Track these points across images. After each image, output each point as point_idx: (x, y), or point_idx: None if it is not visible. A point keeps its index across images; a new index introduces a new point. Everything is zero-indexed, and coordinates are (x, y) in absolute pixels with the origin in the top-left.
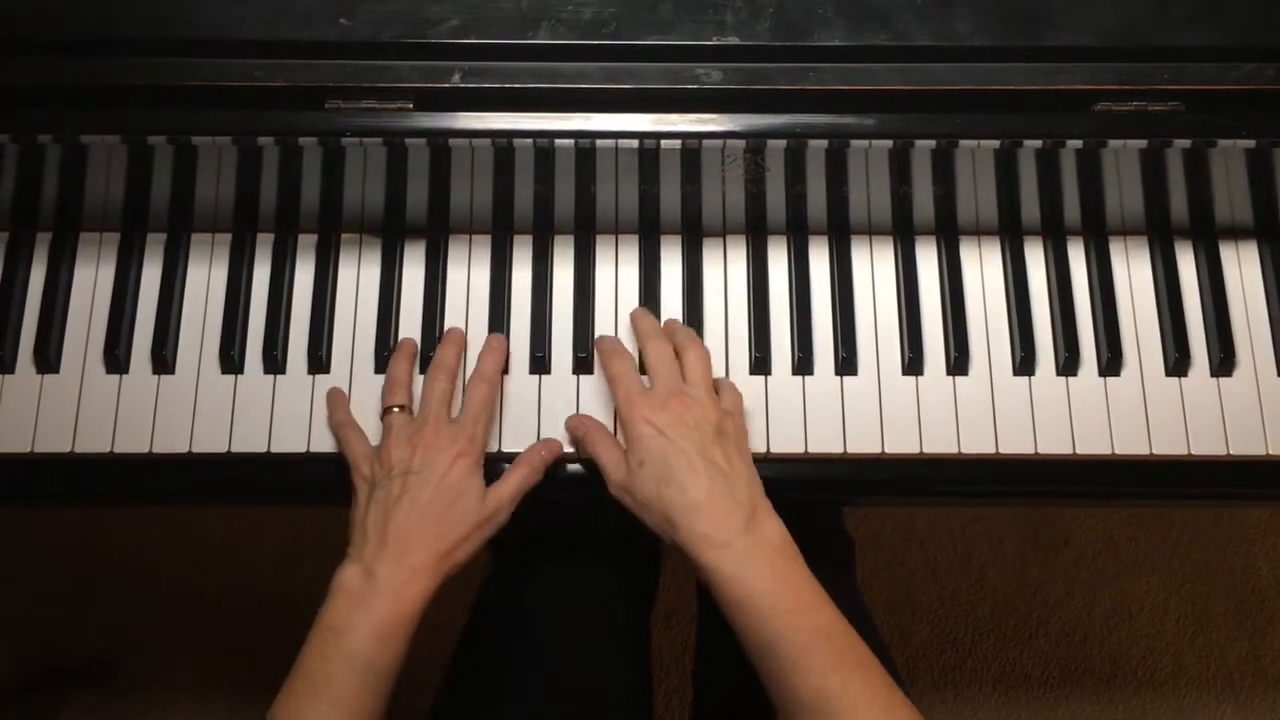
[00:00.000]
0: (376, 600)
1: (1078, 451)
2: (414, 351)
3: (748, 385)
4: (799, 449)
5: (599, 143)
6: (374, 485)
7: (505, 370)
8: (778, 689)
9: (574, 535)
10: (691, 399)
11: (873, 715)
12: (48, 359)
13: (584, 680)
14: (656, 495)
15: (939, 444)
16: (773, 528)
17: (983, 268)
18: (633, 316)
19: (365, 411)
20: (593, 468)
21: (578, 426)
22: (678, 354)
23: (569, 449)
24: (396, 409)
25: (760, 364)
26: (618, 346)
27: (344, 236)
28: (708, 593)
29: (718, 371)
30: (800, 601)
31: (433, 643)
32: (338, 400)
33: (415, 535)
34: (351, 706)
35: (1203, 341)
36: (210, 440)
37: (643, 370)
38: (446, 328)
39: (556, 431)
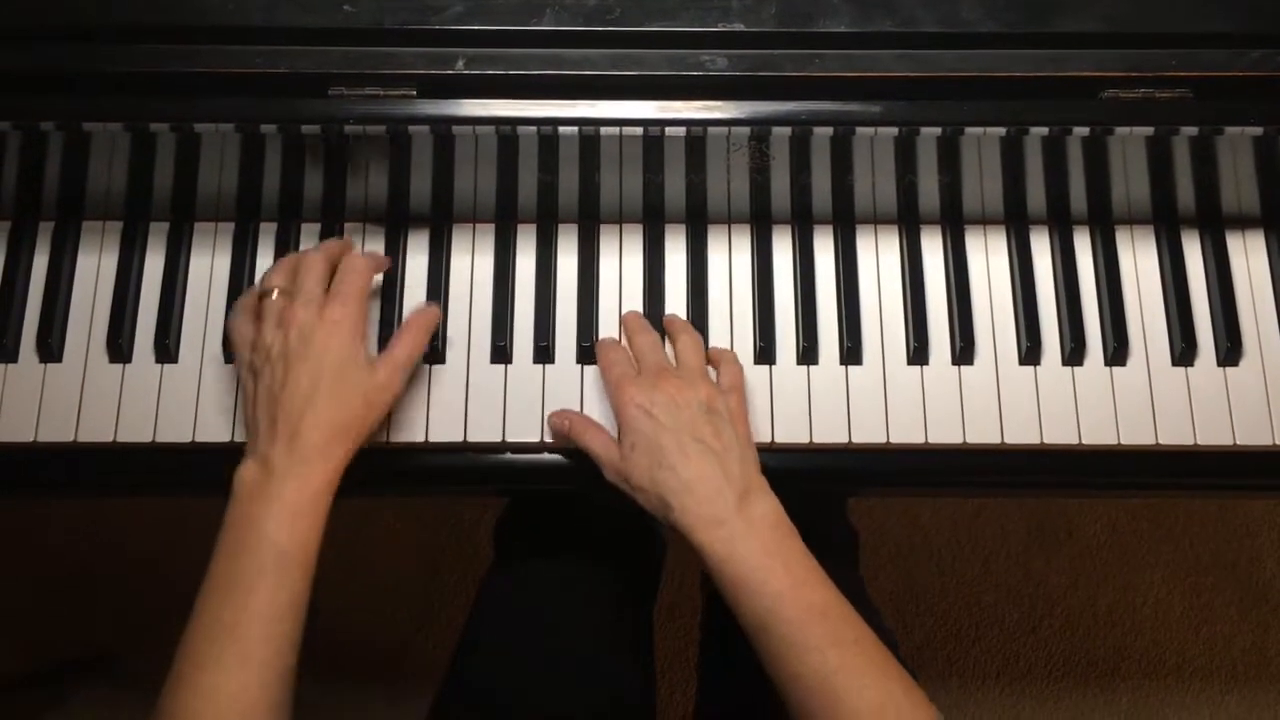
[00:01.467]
0: (276, 487)
1: (1083, 442)
2: (328, 252)
3: (752, 375)
4: (804, 439)
5: (603, 130)
6: (256, 374)
7: (509, 359)
8: (777, 670)
9: (575, 528)
10: (680, 379)
11: (872, 690)
12: (50, 348)
13: (587, 674)
14: (650, 478)
15: (944, 434)
16: (766, 505)
17: (988, 257)
18: (623, 317)
19: None
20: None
21: (561, 421)
22: (671, 341)
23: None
24: (275, 292)
25: (764, 353)
26: (611, 339)
27: (347, 225)
28: (711, 583)
29: None
30: (794, 578)
31: (437, 634)
32: (239, 306)
33: (306, 416)
34: (265, 595)
35: (1209, 331)
36: (214, 430)
37: None
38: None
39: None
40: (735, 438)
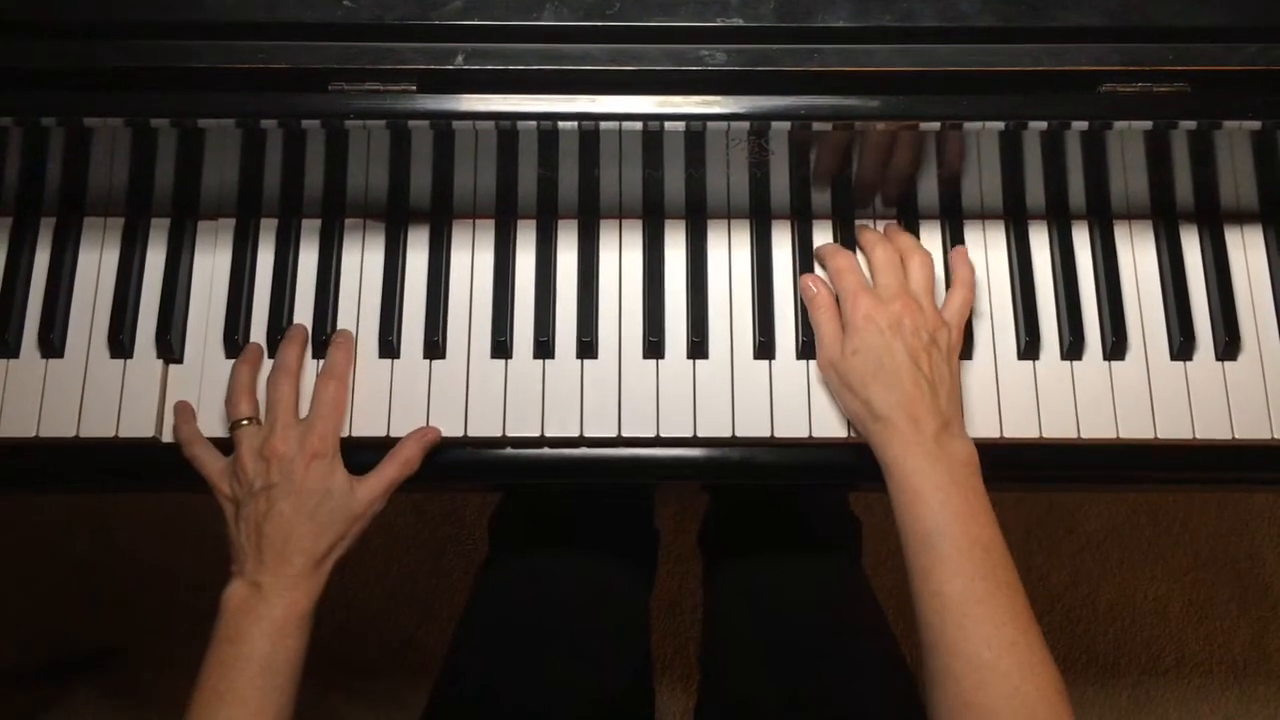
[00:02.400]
0: (265, 606)
1: (1082, 436)
2: (258, 357)
3: (750, 369)
4: (803, 434)
5: (603, 125)
6: (238, 503)
7: (509, 355)
8: (923, 582)
9: (569, 521)
10: (914, 304)
11: (1008, 628)
12: (52, 344)
13: (583, 666)
14: (862, 384)
15: None
16: (962, 443)
17: (987, 251)
18: (857, 230)
19: (370, 399)
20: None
21: (812, 287)
22: (905, 259)
23: (566, 433)
24: (245, 421)
25: (764, 348)
26: (840, 247)
27: (348, 221)
28: (712, 577)
29: (719, 362)
30: (970, 508)
31: (435, 629)
32: (184, 412)
33: (290, 544)
34: (254, 704)
35: (1208, 326)
36: (215, 426)
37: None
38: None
39: (563, 417)
40: (948, 372)
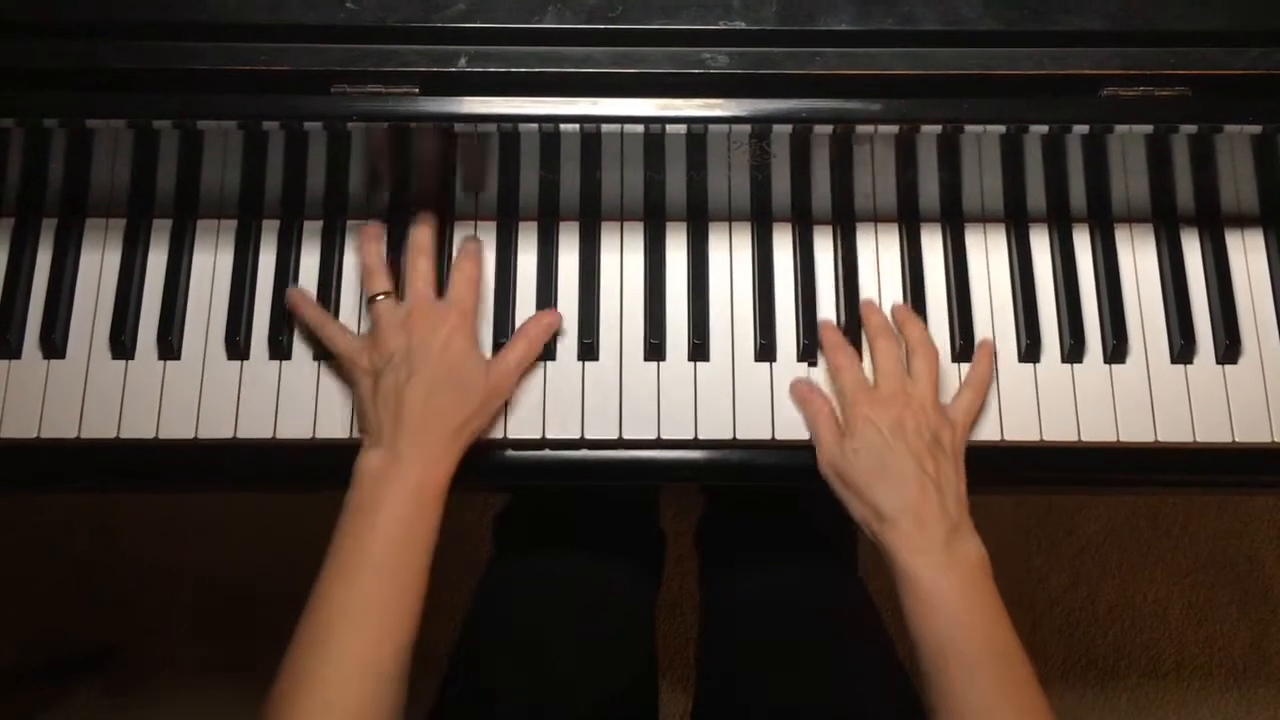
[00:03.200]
0: (403, 474)
1: (1082, 439)
2: (380, 233)
3: (752, 372)
4: (804, 436)
5: (604, 128)
6: (377, 375)
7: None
8: (940, 700)
9: (575, 522)
10: (915, 405)
11: None
12: (54, 345)
13: (587, 667)
14: (866, 484)
15: None
16: (972, 546)
17: (988, 255)
18: (864, 308)
19: None
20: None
21: (805, 392)
22: (909, 352)
23: (567, 435)
24: (381, 295)
25: (765, 351)
26: (841, 340)
27: (349, 223)
28: (708, 578)
29: (720, 364)
30: (985, 617)
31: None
32: (305, 298)
33: (430, 413)
34: (390, 572)
35: (1208, 329)
36: (217, 426)
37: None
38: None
39: (564, 419)
40: (954, 474)
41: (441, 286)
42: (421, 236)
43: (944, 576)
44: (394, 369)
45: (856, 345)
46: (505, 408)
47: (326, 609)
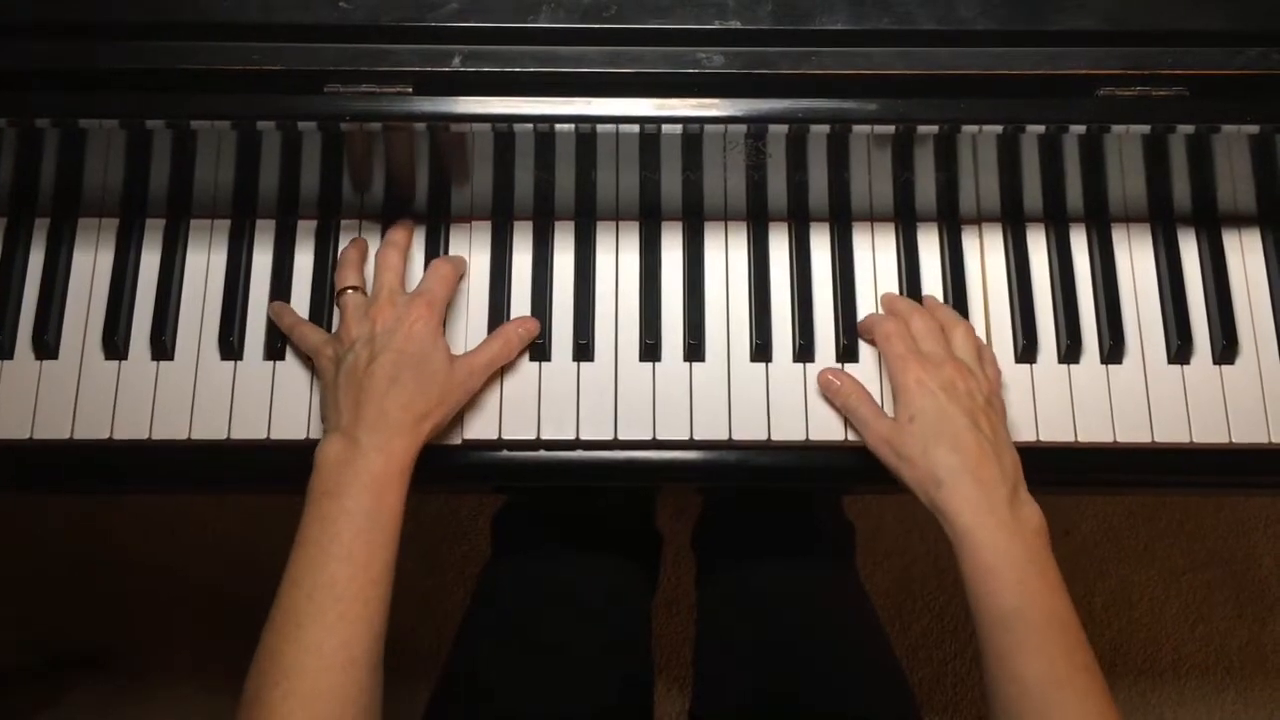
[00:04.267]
0: (364, 459)
1: (1079, 439)
2: (364, 244)
3: (748, 373)
4: (800, 436)
5: (599, 128)
6: (339, 361)
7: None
8: (1000, 665)
9: (573, 522)
10: (964, 367)
11: (1093, 716)
12: (46, 345)
13: (584, 667)
14: (923, 452)
15: None
16: (1032, 509)
17: (985, 255)
18: (886, 299)
19: None
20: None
21: (833, 380)
22: (946, 330)
23: (562, 436)
24: (350, 289)
25: (761, 351)
26: (883, 315)
27: (344, 222)
28: (705, 578)
29: (716, 365)
30: (1048, 584)
31: (434, 628)
32: (284, 307)
33: (390, 398)
34: (361, 558)
35: (1205, 329)
36: (210, 427)
37: None
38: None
39: (559, 420)
40: (1007, 435)
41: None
42: (397, 234)
43: (1006, 538)
44: (353, 354)
45: (854, 351)
46: (500, 410)
47: (297, 597)
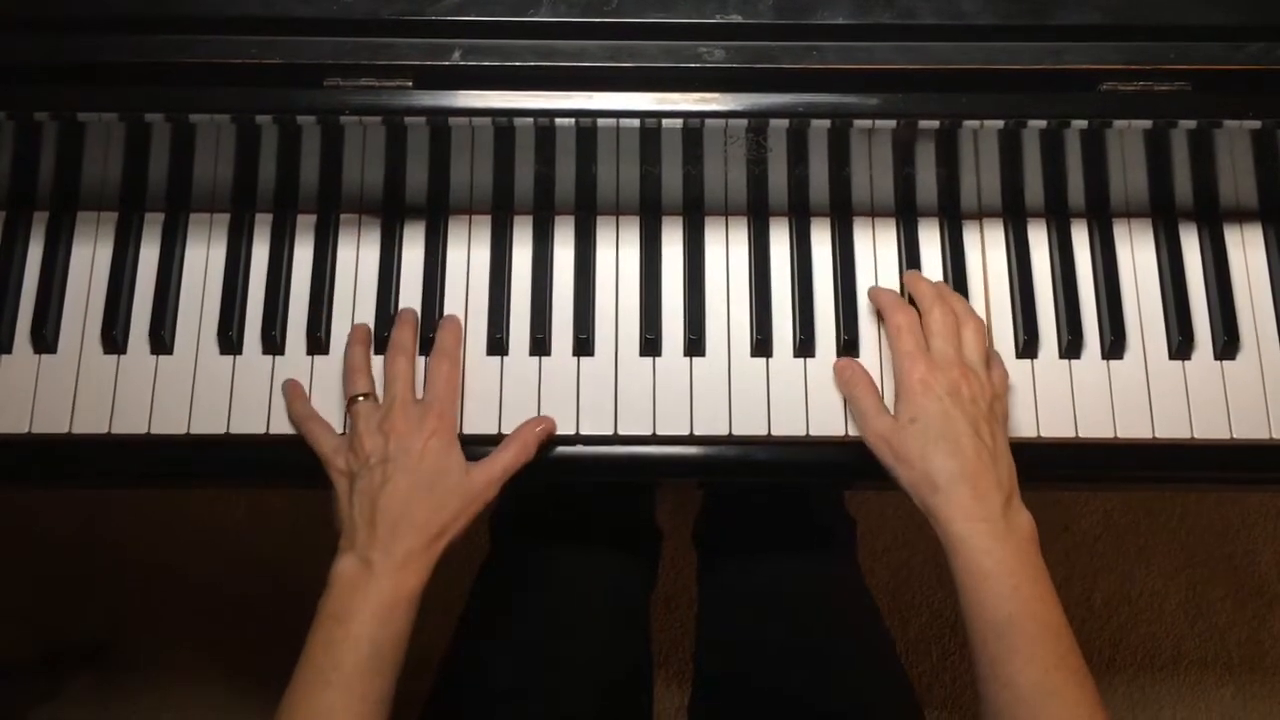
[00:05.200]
0: (374, 584)
1: (1080, 435)
2: (368, 336)
3: (748, 368)
4: (800, 432)
5: (600, 122)
6: (353, 477)
7: (505, 351)
8: (994, 672)
9: (572, 519)
10: (970, 371)
11: None
12: (45, 339)
13: (583, 663)
14: (920, 454)
15: None
16: (1025, 517)
17: (986, 250)
18: (910, 278)
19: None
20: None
21: (846, 368)
22: (956, 324)
23: (562, 431)
24: (361, 397)
25: (761, 346)
26: (901, 300)
27: (343, 216)
28: (706, 574)
29: (716, 360)
30: (1040, 592)
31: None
32: (295, 392)
33: (404, 520)
34: (359, 688)
35: (1206, 325)
36: (209, 421)
37: None
38: (401, 307)
39: (560, 413)
40: (1006, 444)
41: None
42: (402, 337)
43: (999, 546)
44: (369, 471)
45: (854, 346)
46: (499, 405)
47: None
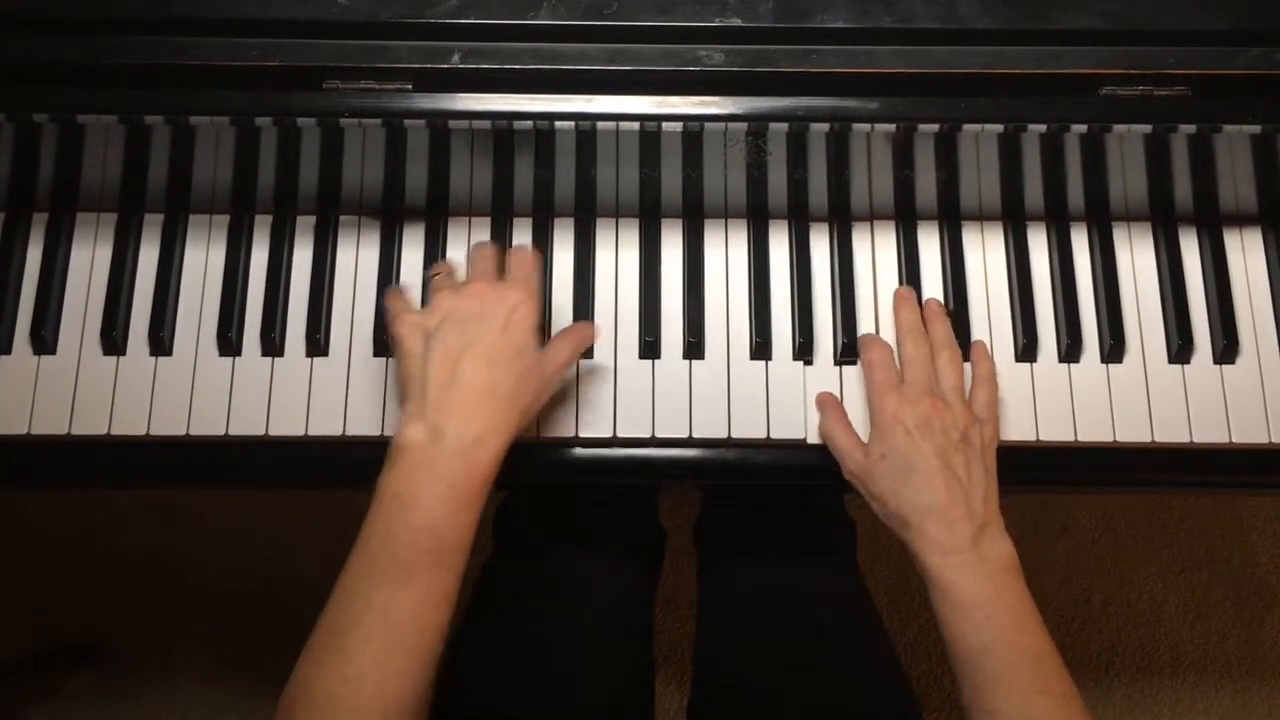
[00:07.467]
0: (444, 463)
1: (1079, 439)
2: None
3: (747, 371)
4: (799, 435)
5: (600, 125)
6: (429, 335)
7: None
8: (976, 700)
9: (576, 517)
10: (943, 403)
11: None
12: (44, 340)
13: (586, 659)
14: (892, 491)
15: None
16: (1001, 545)
17: (985, 253)
18: (896, 303)
19: (366, 398)
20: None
21: (821, 406)
22: (933, 350)
23: (560, 433)
24: (441, 274)
25: (760, 349)
26: (876, 336)
27: (342, 218)
28: (706, 576)
29: (715, 363)
30: (1016, 619)
31: None
32: (395, 292)
33: (485, 388)
34: (421, 583)
35: (1206, 329)
36: (208, 423)
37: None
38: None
39: (559, 416)
40: (983, 472)
41: None
42: (486, 248)
43: (972, 577)
44: (451, 328)
45: (852, 350)
46: None
47: (348, 619)
